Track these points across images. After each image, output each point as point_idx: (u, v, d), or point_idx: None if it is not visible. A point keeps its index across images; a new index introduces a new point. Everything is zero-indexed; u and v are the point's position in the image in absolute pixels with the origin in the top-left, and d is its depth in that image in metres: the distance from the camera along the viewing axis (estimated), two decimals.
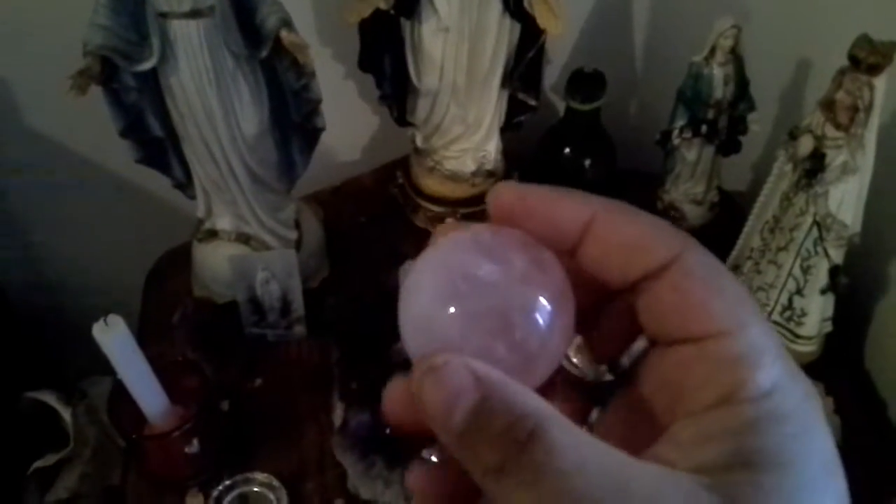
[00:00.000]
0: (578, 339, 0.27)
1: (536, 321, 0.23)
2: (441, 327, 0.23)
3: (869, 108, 0.70)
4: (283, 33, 0.73)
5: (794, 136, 0.77)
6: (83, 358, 0.82)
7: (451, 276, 0.24)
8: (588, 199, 0.25)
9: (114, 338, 0.65)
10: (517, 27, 0.86)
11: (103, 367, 0.69)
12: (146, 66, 0.72)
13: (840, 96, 0.71)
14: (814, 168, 0.74)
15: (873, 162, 0.73)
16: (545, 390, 0.24)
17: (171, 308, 0.92)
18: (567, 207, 0.25)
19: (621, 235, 0.25)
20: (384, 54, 0.89)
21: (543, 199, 0.25)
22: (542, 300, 0.24)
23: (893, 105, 0.78)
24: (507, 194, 0.26)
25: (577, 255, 0.25)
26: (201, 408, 0.75)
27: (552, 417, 0.21)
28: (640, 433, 0.24)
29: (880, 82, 0.69)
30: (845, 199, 0.74)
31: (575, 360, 0.38)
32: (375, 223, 1.05)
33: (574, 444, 0.20)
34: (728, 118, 0.90)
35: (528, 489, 0.20)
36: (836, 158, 0.73)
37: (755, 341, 0.22)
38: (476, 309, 0.23)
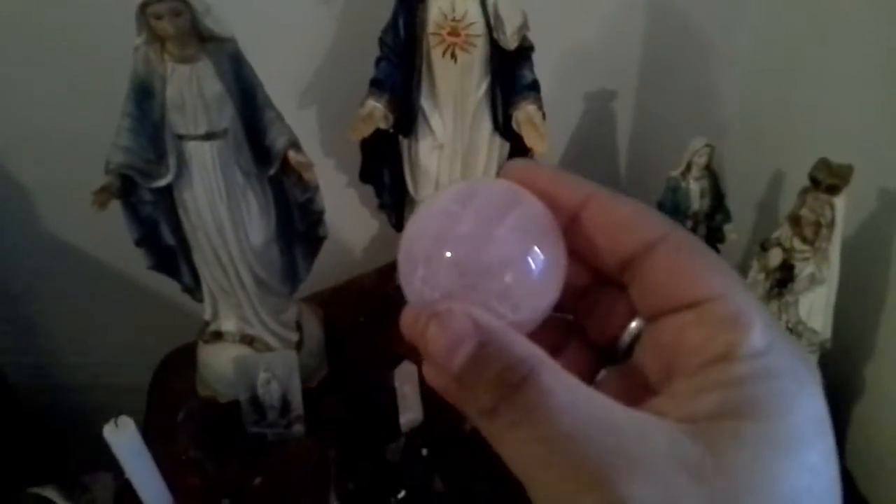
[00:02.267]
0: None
1: (536, 253, 0.25)
2: (437, 270, 0.24)
3: (831, 225, 0.75)
4: (291, 153, 0.79)
5: (764, 247, 0.82)
6: (86, 452, 0.85)
7: (469, 195, 0.25)
8: (587, 183, 0.27)
9: (123, 439, 0.69)
10: (506, 145, 0.92)
11: (105, 462, 0.71)
12: (162, 182, 0.78)
13: (804, 213, 0.77)
14: (784, 278, 0.79)
15: (838, 273, 0.77)
16: (557, 343, 0.27)
17: (176, 406, 0.95)
18: (567, 186, 0.26)
19: (613, 215, 0.26)
20: (383, 168, 0.96)
21: (548, 177, 0.27)
22: (544, 235, 0.25)
23: (857, 221, 0.83)
24: (517, 170, 0.27)
25: (571, 234, 0.26)
26: None
27: (546, 364, 0.22)
28: (638, 397, 0.24)
29: (840, 201, 0.74)
30: (814, 307, 0.79)
31: None
32: (375, 323, 1.08)
33: (565, 387, 0.21)
34: (706, 228, 0.95)
35: (520, 428, 0.21)
36: (803, 270, 0.78)
37: (748, 305, 0.23)
38: (468, 253, 0.24)
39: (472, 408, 0.23)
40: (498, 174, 0.28)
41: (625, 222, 0.26)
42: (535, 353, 0.22)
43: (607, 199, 0.26)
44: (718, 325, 0.23)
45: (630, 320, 0.27)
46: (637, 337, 0.26)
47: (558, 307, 0.26)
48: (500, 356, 0.22)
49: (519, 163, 0.28)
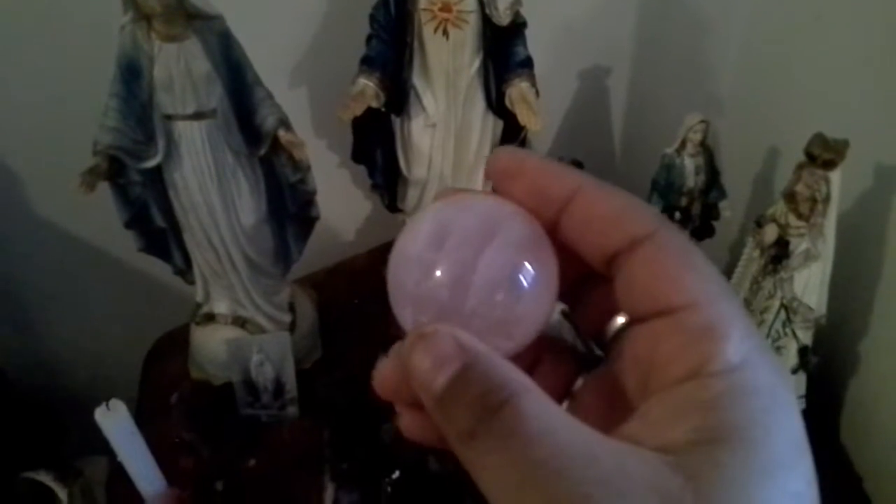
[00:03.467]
0: (562, 307, 0.28)
1: (520, 284, 0.24)
2: (427, 286, 0.24)
3: (827, 200, 0.75)
4: (281, 132, 0.79)
5: (760, 224, 0.81)
6: (79, 436, 0.84)
7: (442, 236, 0.25)
8: (576, 173, 0.26)
9: (115, 422, 0.68)
10: (500, 123, 0.91)
11: (99, 446, 0.71)
12: (151, 163, 0.77)
13: (800, 188, 0.76)
14: (779, 255, 0.79)
15: (834, 249, 0.77)
16: (534, 356, 0.26)
17: (169, 389, 0.95)
18: (556, 176, 0.26)
19: (601, 208, 0.25)
20: (376, 147, 0.95)
21: (537, 166, 0.26)
22: (527, 265, 0.24)
23: (852, 196, 0.83)
24: (506, 158, 0.27)
25: (559, 225, 0.26)
26: (196, 489, 0.77)
27: (527, 389, 0.21)
28: (616, 411, 0.24)
29: (836, 176, 0.74)
30: (809, 283, 0.78)
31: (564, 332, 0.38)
32: (368, 304, 1.08)
33: (544, 414, 0.21)
34: (701, 205, 0.95)
35: (496, 454, 0.21)
36: (799, 246, 0.78)
37: (725, 314, 0.22)
38: (462, 270, 0.24)
39: (450, 431, 0.22)
40: (488, 162, 0.27)
41: (611, 216, 0.25)
42: (518, 379, 0.22)
43: (595, 191, 0.25)
44: (691, 335, 0.22)
45: (616, 314, 0.26)
46: (621, 332, 0.26)
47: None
48: (483, 379, 0.22)
49: (507, 151, 0.27)
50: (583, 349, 0.28)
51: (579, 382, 0.27)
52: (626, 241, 0.24)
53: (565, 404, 0.27)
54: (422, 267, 0.24)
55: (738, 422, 0.20)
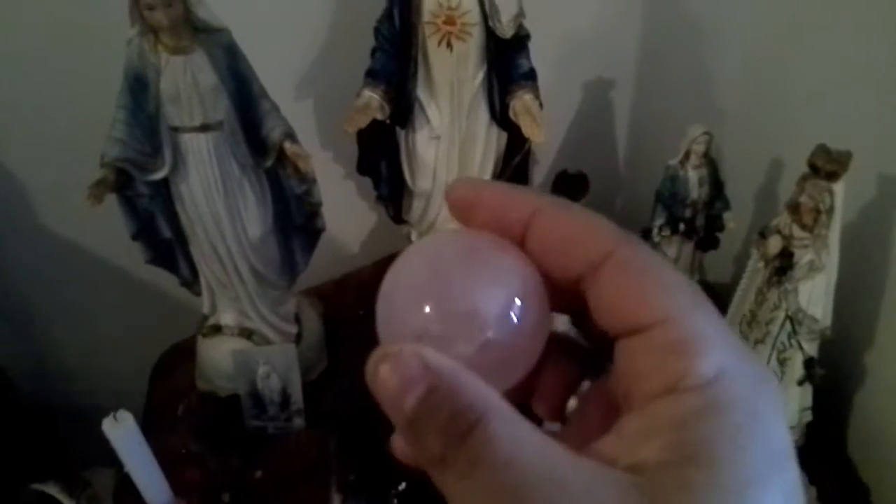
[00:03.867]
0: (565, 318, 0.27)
1: (510, 320, 0.23)
2: (414, 322, 0.24)
3: (830, 212, 0.75)
4: (287, 145, 0.79)
5: (763, 235, 0.81)
6: (86, 448, 0.85)
7: (428, 274, 0.24)
8: (535, 196, 0.25)
9: (122, 433, 0.69)
10: (503, 135, 0.92)
11: (106, 457, 0.72)
12: (158, 175, 0.78)
13: (804, 200, 0.76)
14: (783, 266, 0.79)
15: (838, 260, 0.77)
16: (544, 353, 0.25)
17: (176, 401, 0.94)
18: (514, 202, 0.25)
19: (559, 230, 0.24)
20: (381, 159, 0.96)
21: (495, 194, 0.26)
22: (516, 300, 0.24)
23: (856, 207, 0.83)
24: (463, 188, 0.26)
25: (525, 250, 0.25)
26: (203, 500, 0.77)
27: (495, 410, 0.21)
28: (611, 419, 0.23)
29: (839, 188, 0.74)
30: (814, 295, 0.78)
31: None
32: (374, 315, 1.08)
33: (512, 438, 0.20)
34: (705, 217, 0.95)
35: (465, 481, 0.20)
36: (803, 257, 0.78)
37: (696, 328, 0.22)
38: (449, 307, 0.23)
39: (422, 456, 0.22)
40: (445, 194, 0.27)
41: (570, 238, 0.24)
42: (486, 399, 0.21)
43: (552, 214, 0.25)
44: (663, 353, 0.22)
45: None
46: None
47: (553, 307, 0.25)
48: (450, 401, 0.21)
49: (463, 182, 0.27)
50: (589, 351, 0.27)
51: (584, 385, 0.27)
52: (586, 264, 0.24)
53: (572, 401, 0.27)
54: (411, 303, 0.24)
55: (708, 439, 0.20)
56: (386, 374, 0.22)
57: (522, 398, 0.27)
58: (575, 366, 0.27)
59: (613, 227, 0.24)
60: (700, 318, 0.22)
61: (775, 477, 0.20)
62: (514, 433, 0.21)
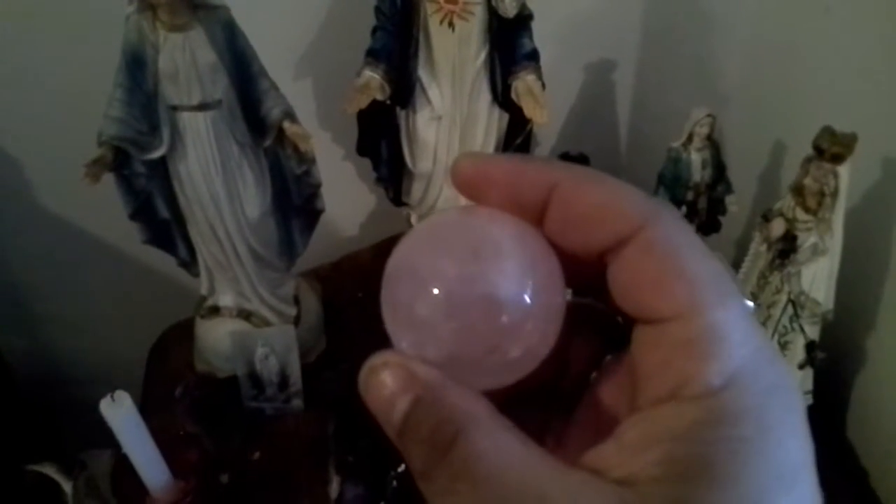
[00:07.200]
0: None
1: (523, 302, 0.22)
2: (424, 314, 0.23)
3: (835, 194, 0.74)
4: (286, 124, 0.78)
5: (767, 218, 0.81)
6: (84, 429, 0.84)
7: (435, 258, 0.23)
8: (552, 166, 0.23)
9: (120, 413, 0.68)
10: (505, 116, 0.91)
11: (104, 438, 0.71)
12: (156, 154, 0.77)
13: (808, 182, 0.76)
14: (786, 249, 0.78)
15: (842, 243, 0.77)
16: (571, 323, 0.24)
17: (174, 382, 0.94)
18: (529, 175, 0.23)
19: (584, 203, 0.22)
20: (381, 140, 0.95)
21: (505, 168, 0.24)
22: (529, 281, 0.22)
23: (860, 190, 0.83)
24: (469, 166, 0.24)
25: (543, 227, 0.23)
26: (201, 481, 0.77)
27: (477, 422, 0.20)
28: (622, 406, 0.23)
29: (844, 170, 0.73)
30: (817, 278, 0.78)
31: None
32: (373, 298, 1.07)
33: (495, 450, 0.20)
34: (707, 199, 0.94)
35: (447, 496, 0.20)
36: (806, 240, 0.77)
37: (713, 327, 0.20)
38: (458, 293, 0.22)
39: (413, 469, 0.21)
40: (451, 172, 0.25)
41: (596, 210, 0.22)
42: (467, 410, 0.21)
43: (578, 183, 0.22)
44: (673, 351, 0.20)
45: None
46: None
47: (570, 285, 0.24)
48: (432, 413, 0.21)
49: (468, 159, 0.24)
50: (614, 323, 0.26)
51: (607, 359, 0.25)
52: (612, 240, 0.22)
53: (594, 375, 0.26)
54: (419, 284, 0.23)
55: (709, 456, 0.19)
56: (375, 386, 0.22)
57: (549, 374, 0.25)
58: (598, 338, 0.26)
59: (643, 198, 0.22)
60: (721, 315, 0.20)
61: (783, 498, 0.19)
62: (495, 445, 0.20)
